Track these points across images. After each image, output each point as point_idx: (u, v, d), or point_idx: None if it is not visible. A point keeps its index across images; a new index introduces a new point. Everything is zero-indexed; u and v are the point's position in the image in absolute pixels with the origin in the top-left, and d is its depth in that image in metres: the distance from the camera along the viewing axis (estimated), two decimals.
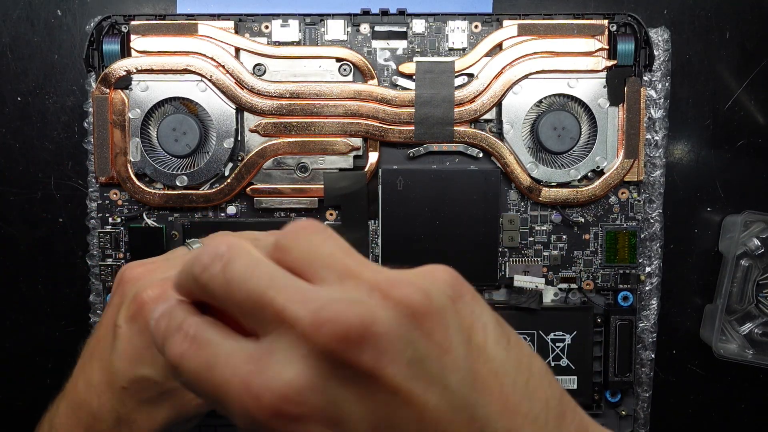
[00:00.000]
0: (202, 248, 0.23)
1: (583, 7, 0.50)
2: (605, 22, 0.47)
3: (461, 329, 0.20)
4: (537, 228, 0.49)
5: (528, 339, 0.48)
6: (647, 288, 0.49)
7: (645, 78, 0.48)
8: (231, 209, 0.48)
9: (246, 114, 0.47)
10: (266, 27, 0.48)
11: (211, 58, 0.47)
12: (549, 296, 0.49)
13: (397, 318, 0.19)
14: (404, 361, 0.18)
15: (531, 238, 0.49)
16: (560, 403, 0.21)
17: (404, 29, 0.48)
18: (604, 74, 0.47)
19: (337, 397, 0.18)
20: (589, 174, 0.48)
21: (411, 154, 0.48)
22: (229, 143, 0.47)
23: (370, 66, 0.47)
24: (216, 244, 0.22)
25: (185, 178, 0.47)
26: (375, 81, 0.47)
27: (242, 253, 0.21)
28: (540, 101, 0.47)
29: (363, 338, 0.18)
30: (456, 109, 0.47)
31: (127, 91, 0.47)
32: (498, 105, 0.47)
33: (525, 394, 0.20)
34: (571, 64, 0.47)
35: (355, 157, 0.48)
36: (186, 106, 0.48)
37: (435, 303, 0.19)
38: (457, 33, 0.48)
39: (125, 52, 0.47)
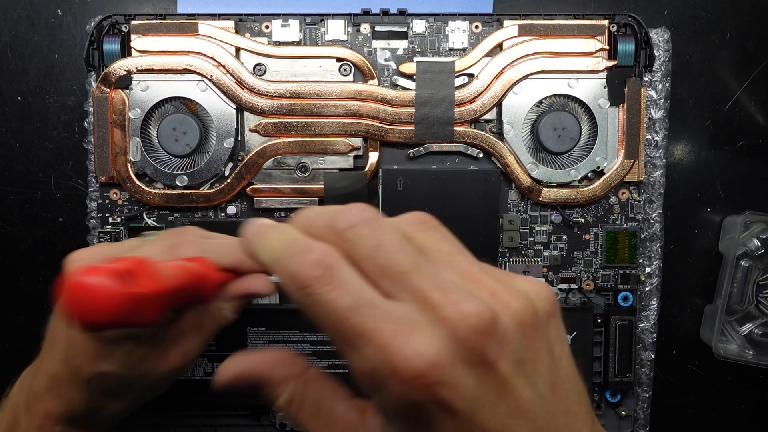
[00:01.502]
0: (345, 207, 0.24)
1: (584, 8, 0.51)
2: (606, 22, 0.47)
3: (549, 342, 0.24)
4: (537, 228, 0.49)
5: None
6: (647, 288, 0.49)
7: (645, 78, 0.48)
8: (231, 209, 0.48)
9: (246, 114, 0.47)
10: (266, 27, 0.48)
11: (212, 58, 0.47)
12: None
13: (513, 324, 0.22)
14: (513, 359, 0.22)
15: (531, 239, 0.49)
16: (589, 411, 0.25)
17: (404, 29, 0.48)
18: (604, 75, 0.47)
19: (462, 376, 0.21)
20: (590, 174, 0.48)
21: (411, 154, 0.48)
22: (229, 143, 0.47)
23: (370, 66, 0.47)
24: (360, 209, 0.24)
25: (185, 177, 0.47)
26: (375, 81, 0.47)
27: (390, 225, 0.24)
28: (540, 101, 0.47)
29: (493, 335, 0.22)
30: (456, 110, 0.47)
31: (128, 90, 0.47)
32: (498, 105, 0.47)
33: (578, 398, 0.24)
34: (572, 64, 0.47)
35: (356, 157, 0.48)
36: (186, 105, 0.48)
37: (539, 318, 0.23)
38: (457, 33, 0.48)
39: (125, 51, 0.47)
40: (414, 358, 0.21)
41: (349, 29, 0.48)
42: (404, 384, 0.21)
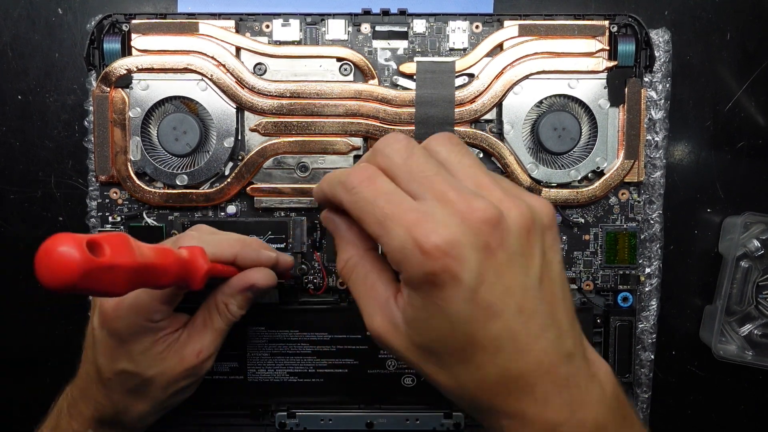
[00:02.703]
0: (387, 135, 0.31)
1: (584, 8, 0.51)
2: (606, 22, 0.47)
3: (543, 247, 0.29)
4: None
5: None
6: (647, 289, 0.49)
7: (645, 79, 0.48)
8: (231, 208, 0.48)
9: (246, 113, 0.47)
10: (267, 26, 0.48)
11: (212, 57, 0.47)
12: None
13: (514, 224, 0.28)
14: (511, 251, 0.27)
15: None
16: (571, 306, 0.30)
17: (405, 29, 0.48)
18: (604, 75, 0.47)
19: (469, 255, 0.26)
20: (590, 175, 0.48)
21: None
22: (229, 142, 0.47)
23: (370, 66, 0.47)
24: (395, 135, 0.30)
25: (185, 177, 0.47)
26: (375, 81, 0.47)
27: (418, 144, 0.30)
28: (540, 102, 0.47)
29: (496, 228, 0.27)
30: (456, 110, 0.47)
31: (128, 89, 0.47)
32: (498, 105, 0.47)
33: (562, 294, 0.29)
34: (572, 64, 0.47)
35: (356, 157, 0.48)
36: (186, 105, 0.48)
37: (536, 225, 0.28)
38: (457, 33, 0.48)
39: (126, 50, 0.47)
40: (432, 234, 0.26)
41: (350, 29, 0.48)
42: (424, 255, 0.26)
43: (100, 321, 0.38)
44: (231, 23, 0.47)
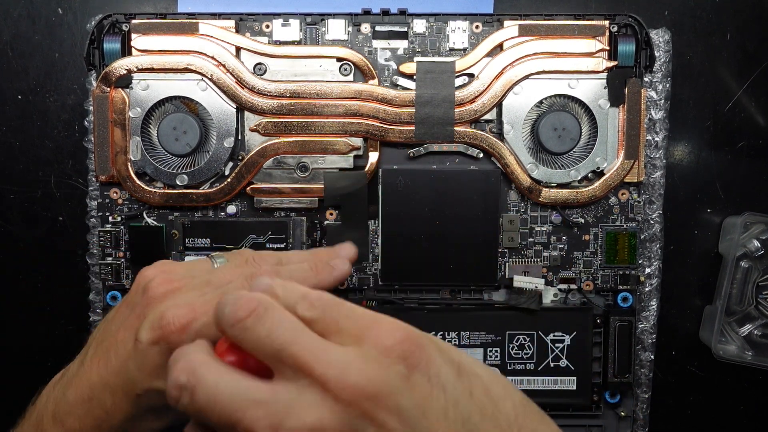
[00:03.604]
0: (232, 299, 0.26)
1: (584, 8, 0.51)
2: (606, 23, 0.47)
3: (414, 406, 0.24)
4: (537, 228, 0.49)
5: (527, 339, 0.48)
6: (647, 289, 0.49)
7: (645, 79, 0.48)
8: (231, 208, 0.48)
9: (246, 113, 0.47)
10: (267, 26, 0.48)
11: (212, 57, 0.47)
12: (549, 297, 0.49)
13: (347, 419, 0.24)
14: (397, 415, 0.24)
15: (531, 239, 0.49)
16: (515, 401, 0.27)
17: (405, 29, 0.48)
18: (604, 75, 0.47)
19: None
20: (590, 175, 0.48)
21: (411, 154, 0.48)
22: (229, 142, 0.47)
23: (370, 66, 0.47)
24: (247, 299, 0.26)
25: (185, 177, 0.47)
26: (375, 81, 0.47)
27: (271, 310, 0.26)
28: (540, 102, 0.47)
29: (370, 398, 0.24)
30: (456, 110, 0.47)
31: (128, 89, 0.47)
32: (498, 105, 0.47)
33: (492, 403, 0.26)
34: (572, 64, 0.47)
35: (356, 157, 0.48)
36: (186, 105, 0.48)
37: (381, 392, 0.24)
38: (457, 33, 0.48)
39: (126, 50, 0.47)
40: (297, 426, 0.23)
41: (350, 29, 0.48)
42: None
43: (156, 336, 0.34)
44: (231, 23, 0.47)
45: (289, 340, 0.25)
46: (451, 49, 0.48)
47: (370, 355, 0.25)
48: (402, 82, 0.48)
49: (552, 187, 0.48)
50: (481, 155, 0.48)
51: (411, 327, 0.26)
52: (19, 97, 0.51)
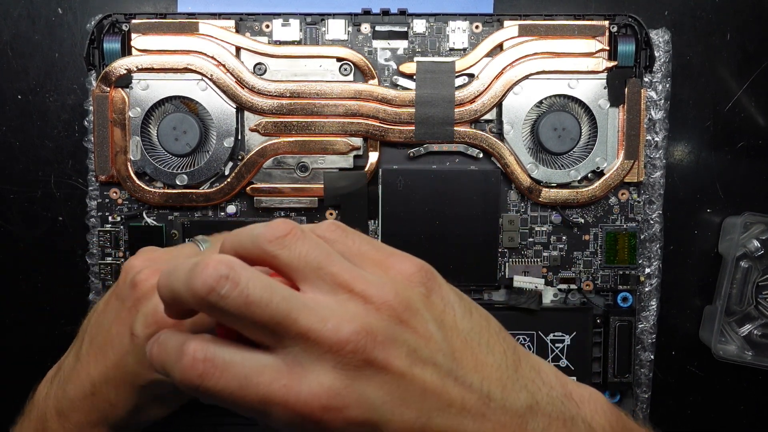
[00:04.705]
0: (197, 268, 0.25)
1: (584, 8, 0.51)
2: (606, 23, 0.47)
3: (436, 317, 0.27)
4: (537, 229, 0.49)
5: (527, 340, 0.48)
6: (647, 289, 0.49)
7: (645, 79, 0.48)
8: (231, 208, 0.48)
9: (246, 113, 0.47)
10: (267, 26, 0.48)
11: (212, 57, 0.47)
12: (548, 297, 0.49)
13: (390, 325, 0.25)
14: (404, 353, 0.25)
15: (531, 239, 0.49)
16: (515, 352, 0.29)
17: (405, 29, 0.48)
18: (604, 75, 0.47)
19: (364, 390, 0.24)
20: (589, 175, 0.48)
21: (411, 154, 0.48)
22: (229, 142, 0.47)
23: (370, 66, 0.47)
24: (214, 265, 0.24)
25: (185, 177, 0.47)
26: (375, 81, 0.47)
27: (251, 275, 0.25)
28: (540, 102, 0.47)
29: (373, 346, 0.25)
30: (456, 110, 0.47)
31: (128, 89, 0.47)
32: (498, 105, 0.47)
33: (488, 350, 0.28)
34: (572, 64, 0.47)
35: (356, 157, 0.48)
36: (186, 105, 0.48)
37: (414, 305, 0.26)
38: (457, 33, 0.48)
39: (126, 50, 0.47)
40: (310, 398, 0.24)
41: (350, 29, 0.48)
42: (316, 424, 0.24)
43: (152, 331, 0.33)
44: (231, 23, 0.47)
45: (327, 260, 0.26)
46: (451, 49, 0.48)
47: (398, 279, 0.28)
48: (402, 82, 0.48)
49: (552, 187, 0.48)
50: (481, 155, 0.48)
51: (420, 259, 0.29)
52: (19, 97, 0.51)
